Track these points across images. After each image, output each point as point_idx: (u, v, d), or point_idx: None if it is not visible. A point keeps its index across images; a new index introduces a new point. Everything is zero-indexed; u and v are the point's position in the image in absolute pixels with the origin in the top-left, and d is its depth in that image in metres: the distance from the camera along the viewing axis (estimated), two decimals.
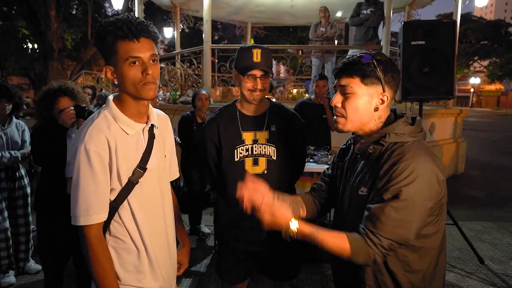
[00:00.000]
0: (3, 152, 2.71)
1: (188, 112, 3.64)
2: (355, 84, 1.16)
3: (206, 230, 3.93)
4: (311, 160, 3.43)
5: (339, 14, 8.94)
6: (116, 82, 1.16)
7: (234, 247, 1.83)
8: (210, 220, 3.93)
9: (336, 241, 1.11)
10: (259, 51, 1.66)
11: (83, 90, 2.88)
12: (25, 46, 16.44)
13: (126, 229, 1.21)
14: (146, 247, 1.23)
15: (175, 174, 1.47)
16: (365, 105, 1.18)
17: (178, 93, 6.28)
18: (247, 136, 1.75)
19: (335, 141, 4.18)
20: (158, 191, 1.28)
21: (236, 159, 1.75)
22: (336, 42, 7.23)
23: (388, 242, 1.06)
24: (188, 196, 3.73)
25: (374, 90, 1.16)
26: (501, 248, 3.63)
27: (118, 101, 1.21)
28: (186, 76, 6.32)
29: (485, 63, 35.33)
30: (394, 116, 1.22)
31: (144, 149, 1.22)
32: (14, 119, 2.90)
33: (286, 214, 1.16)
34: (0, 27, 14.99)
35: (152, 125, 1.26)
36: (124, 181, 1.17)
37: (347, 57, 1.23)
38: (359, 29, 6.17)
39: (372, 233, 1.07)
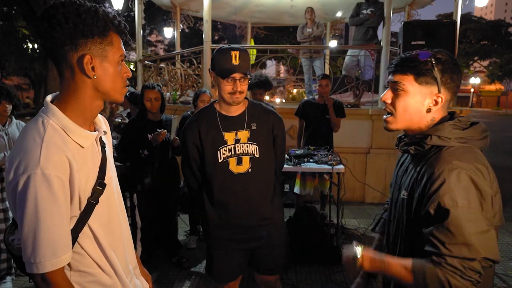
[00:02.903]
0: (5, 152, 2.72)
1: (188, 112, 3.64)
2: (407, 82, 1.10)
3: None
4: (311, 160, 3.43)
5: (339, 14, 8.93)
6: (94, 77, 0.96)
7: (223, 247, 1.85)
8: None
9: (399, 269, 1.06)
10: (237, 53, 1.66)
11: None
12: (25, 46, 16.40)
13: (92, 259, 1.02)
14: (116, 270, 1.07)
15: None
16: (416, 105, 1.10)
17: (178, 93, 6.28)
18: (229, 137, 1.77)
19: (338, 142, 4.18)
20: (116, 204, 1.13)
21: (220, 160, 1.76)
22: (336, 42, 7.23)
23: (453, 259, 0.99)
24: (188, 196, 3.74)
25: (428, 90, 1.09)
26: (501, 248, 3.64)
27: (63, 104, 0.99)
28: (186, 76, 6.32)
29: (485, 63, 35.33)
30: (449, 119, 1.13)
31: (99, 162, 1.05)
32: (14, 120, 2.92)
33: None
34: (0, 27, 14.97)
35: (104, 132, 1.11)
36: (84, 204, 0.98)
37: (401, 55, 1.15)
38: (358, 29, 6.17)
39: (436, 255, 1.01)
